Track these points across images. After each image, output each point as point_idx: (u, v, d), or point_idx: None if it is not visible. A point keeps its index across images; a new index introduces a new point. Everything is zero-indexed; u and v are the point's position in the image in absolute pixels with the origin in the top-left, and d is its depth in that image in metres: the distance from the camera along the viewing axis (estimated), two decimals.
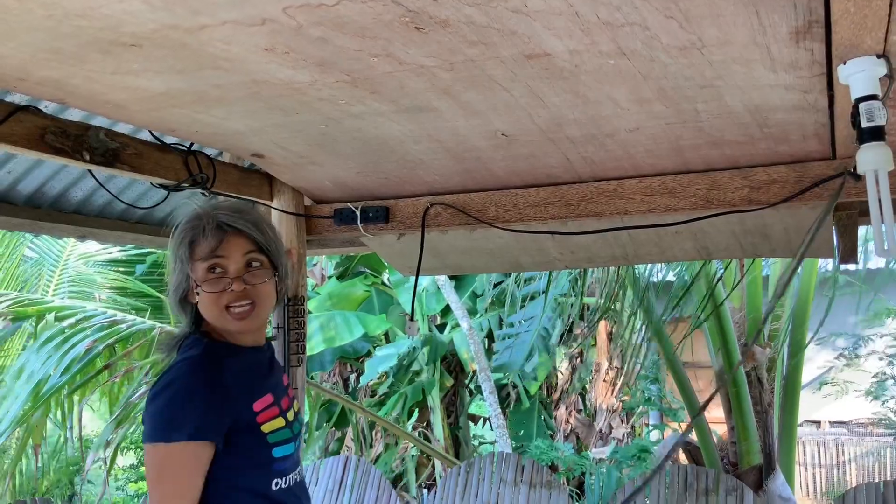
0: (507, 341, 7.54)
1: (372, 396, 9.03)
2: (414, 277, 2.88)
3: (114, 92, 1.91)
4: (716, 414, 5.86)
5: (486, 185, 2.70)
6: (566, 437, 9.17)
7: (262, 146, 2.45)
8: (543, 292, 6.84)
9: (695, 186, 2.45)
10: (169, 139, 2.42)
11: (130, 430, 4.57)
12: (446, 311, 8.55)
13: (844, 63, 1.50)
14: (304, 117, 2.12)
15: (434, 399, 8.49)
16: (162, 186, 2.48)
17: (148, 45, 1.60)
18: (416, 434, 8.61)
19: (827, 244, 2.88)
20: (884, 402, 8.90)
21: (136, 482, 10.18)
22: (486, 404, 8.07)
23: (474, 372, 8.19)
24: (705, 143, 2.25)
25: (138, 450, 10.15)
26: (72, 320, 4.56)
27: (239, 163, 2.81)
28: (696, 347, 6.00)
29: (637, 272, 5.62)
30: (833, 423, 10.57)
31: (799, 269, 5.32)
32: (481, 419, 10.14)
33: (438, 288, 8.02)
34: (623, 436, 9.11)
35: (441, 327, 8.98)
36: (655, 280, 6.06)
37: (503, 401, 8.69)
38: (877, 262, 7.61)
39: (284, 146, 2.43)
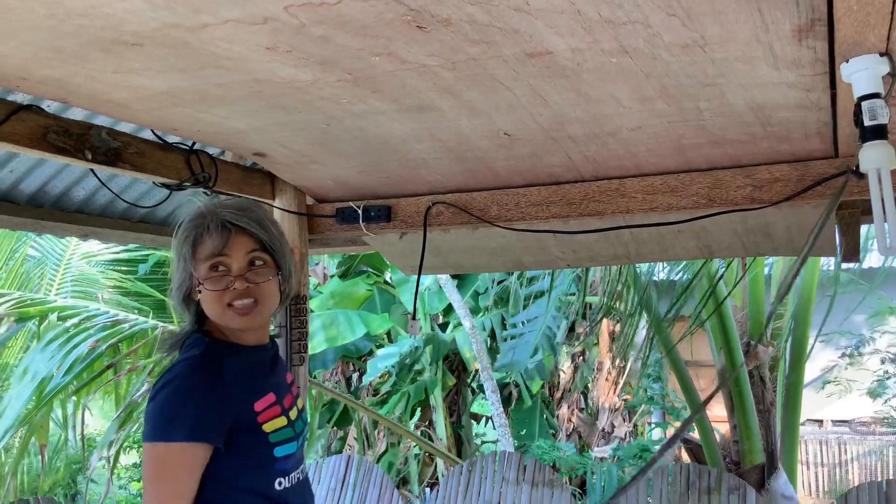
0: (511, 341, 7.53)
1: (374, 395, 9.03)
2: (416, 276, 2.88)
3: (116, 91, 1.91)
4: (718, 413, 5.86)
5: (488, 185, 2.70)
6: (568, 436, 9.18)
7: (264, 145, 2.45)
8: (547, 291, 6.84)
9: (697, 185, 2.44)
10: (171, 138, 2.42)
11: (133, 430, 4.57)
12: (448, 309, 8.55)
13: (847, 61, 1.50)
14: (305, 116, 2.12)
15: (436, 398, 8.49)
16: (164, 185, 2.48)
17: (149, 44, 1.60)
18: (419, 433, 8.62)
19: (829, 243, 2.88)
20: (886, 401, 8.89)
21: (138, 481, 10.19)
22: (488, 403, 8.07)
23: (476, 371, 8.19)
24: (707, 141, 2.25)
25: (141, 449, 10.16)
26: (75, 320, 4.56)
27: (241, 162, 2.81)
28: (698, 346, 6.00)
29: (639, 271, 5.62)
30: (835, 422, 10.56)
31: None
32: (483, 418, 10.14)
33: (440, 287, 8.02)
34: (625, 434, 9.11)
35: (443, 326, 8.99)
36: (657, 279, 6.06)
37: (505, 400, 8.69)
38: (879, 261, 7.60)
39: (286, 145, 2.43)
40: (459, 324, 8.12)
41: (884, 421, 9.41)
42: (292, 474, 1.78)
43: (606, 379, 9.27)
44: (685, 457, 6.35)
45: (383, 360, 8.05)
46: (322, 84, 1.86)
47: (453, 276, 7.91)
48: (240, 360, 1.73)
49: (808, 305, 5.27)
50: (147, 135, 2.39)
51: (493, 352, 8.33)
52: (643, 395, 8.50)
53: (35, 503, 3.83)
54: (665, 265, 5.94)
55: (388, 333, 9.05)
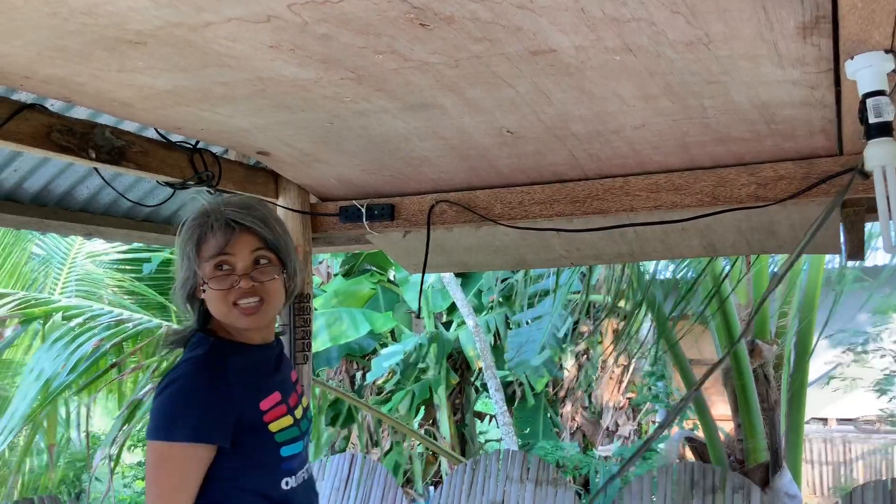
0: (517, 339, 7.52)
1: (378, 394, 9.04)
2: (420, 275, 2.88)
3: (119, 90, 1.91)
4: (722, 411, 5.85)
5: (491, 183, 2.70)
6: (572, 435, 9.17)
7: (268, 144, 2.45)
8: (553, 291, 6.83)
9: (701, 183, 2.44)
10: (174, 137, 2.42)
11: (137, 429, 4.58)
12: (452, 308, 8.55)
13: (852, 58, 1.49)
14: (309, 115, 2.12)
15: (440, 397, 8.49)
16: (168, 184, 2.48)
17: (153, 43, 1.60)
18: (423, 432, 8.62)
19: (834, 240, 2.87)
20: (891, 399, 8.87)
21: (143, 480, 10.20)
22: (491, 402, 8.07)
23: (480, 369, 8.20)
24: (711, 139, 2.24)
25: (144, 448, 10.18)
26: (79, 319, 4.57)
27: (244, 160, 2.81)
28: (702, 344, 5.99)
29: (643, 269, 5.61)
30: (840, 421, 10.54)
31: (805, 266, 5.30)
32: (487, 416, 10.14)
33: (444, 285, 8.02)
34: (629, 433, 9.10)
35: (447, 325, 8.99)
36: (661, 277, 6.05)
37: (509, 398, 8.69)
38: (883, 259, 7.59)
39: (290, 144, 2.43)
40: (463, 322, 8.13)
41: (889, 419, 9.38)
42: (298, 473, 1.78)
43: (610, 377, 9.26)
44: (689, 455, 6.34)
45: (388, 359, 8.05)
46: (325, 82, 1.85)
47: (457, 275, 7.90)
48: (245, 358, 1.73)
49: (812, 303, 5.26)
50: (151, 133, 2.40)
51: (496, 350, 8.33)
52: (647, 394, 8.49)
53: (39, 502, 3.83)
54: (669, 263, 5.94)
55: (392, 332, 9.06)
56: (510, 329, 8.28)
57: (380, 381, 8.91)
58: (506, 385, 8.65)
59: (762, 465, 5.03)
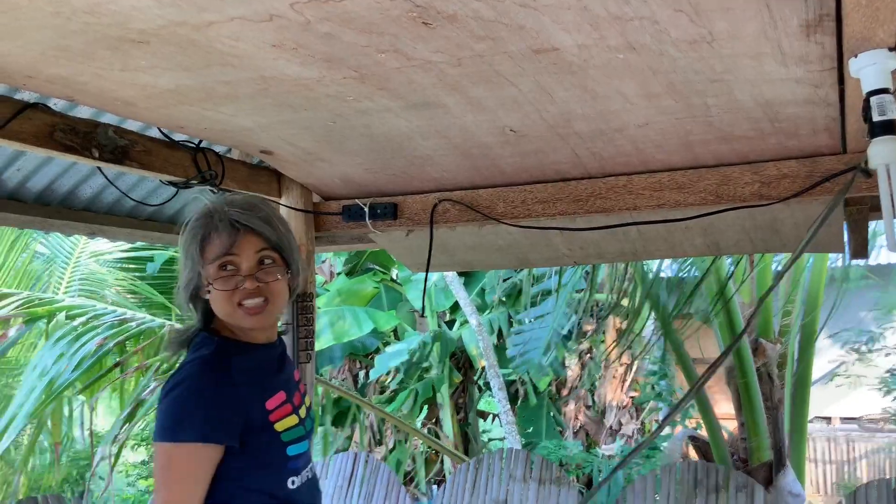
0: (522, 336, 7.51)
1: (381, 393, 9.04)
2: (422, 273, 2.88)
3: (122, 89, 1.91)
4: (726, 410, 5.84)
5: (494, 181, 2.69)
6: (575, 434, 9.16)
7: (271, 143, 2.45)
8: (556, 290, 6.83)
9: (704, 181, 2.44)
10: (178, 136, 2.42)
11: (141, 427, 4.59)
12: (455, 307, 8.55)
13: (856, 56, 1.49)
14: (312, 114, 2.12)
15: (443, 396, 8.50)
16: (171, 183, 2.49)
17: (156, 42, 1.60)
18: (426, 430, 8.62)
19: (837, 239, 2.87)
20: (895, 398, 8.85)
21: (146, 478, 10.23)
22: (494, 401, 8.07)
23: (483, 368, 8.20)
24: (715, 137, 2.24)
25: (149, 447, 10.21)
26: (83, 319, 4.58)
27: (247, 160, 2.81)
28: (705, 343, 5.99)
29: (646, 268, 5.61)
30: (844, 420, 10.52)
31: (809, 262, 5.30)
32: (490, 415, 10.14)
33: (447, 284, 8.02)
34: (633, 432, 9.09)
35: (450, 324, 8.99)
36: (665, 276, 6.05)
37: (512, 397, 8.69)
38: (888, 257, 7.57)
39: (293, 143, 2.43)
40: (466, 321, 8.13)
41: (893, 418, 9.36)
42: (302, 473, 1.78)
43: (614, 376, 9.25)
44: (693, 454, 6.34)
45: (393, 358, 8.04)
46: (328, 81, 1.85)
47: (460, 274, 7.90)
48: (249, 358, 1.73)
49: (816, 302, 5.25)
50: (154, 133, 2.40)
51: (499, 349, 8.33)
52: (650, 393, 8.48)
53: (43, 501, 3.84)
54: (672, 262, 5.93)
55: (395, 330, 9.06)
56: (512, 326, 8.28)
57: (383, 380, 8.91)
58: (509, 384, 8.65)
59: (766, 463, 5.02)
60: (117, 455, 4.61)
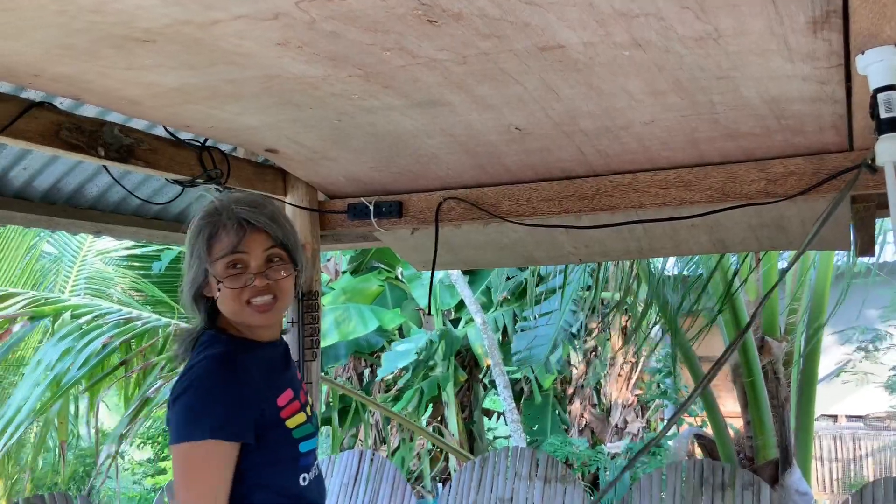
0: (527, 334, 7.51)
1: (386, 392, 9.04)
2: (427, 272, 2.88)
3: (128, 88, 1.91)
4: (732, 408, 5.83)
5: (499, 180, 2.69)
6: (580, 432, 9.16)
7: (276, 141, 2.45)
8: (560, 287, 6.82)
9: (710, 179, 2.43)
10: (183, 135, 2.42)
11: (146, 426, 4.60)
12: (460, 305, 8.55)
13: (863, 53, 1.48)
14: (317, 112, 2.12)
15: (448, 394, 8.50)
16: (177, 182, 2.49)
17: (161, 41, 1.61)
18: (431, 429, 8.63)
19: (844, 236, 2.86)
20: None
21: (152, 476, 10.25)
22: (500, 399, 8.06)
23: (488, 366, 8.20)
24: (721, 135, 2.23)
25: (155, 444, 10.23)
26: (88, 317, 4.59)
27: (253, 158, 2.81)
28: (711, 341, 5.97)
29: (652, 266, 5.59)
30: (850, 418, 10.51)
31: (816, 258, 5.28)
32: (495, 414, 10.14)
33: (452, 282, 8.02)
34: (638, 430, 9.08)
35: (455, 322, 8.99)
36: (670, 274, 6.04)
37: (517, 395, 8.69)
38: (895, 255, 7.55)
39: (298, 141, 2.43)
40: (471, 319, 8.12)
41: None
42: (312, 469, 1.78)
43: (619, 374, 9.24)
44: (699, 452, 6.33)
45: (400, 357, 8.03)
46: (333, 80, 1.85)
47: (465, 272, 7.90)
48: (256, 356, 1.73)
49: (822, 300, 5.24)
50: (159, 131, 2.40)
51: (504, 347, 8.33)
52: (656, 390, 8.47)
53: (50, 499, 3.85)
54: (678, 260, 5.92)
55: (400, 328, 9.06)
56: (517, 322, 8.27)
57: (388, 378, 8.91)
58: (514, 382, 8.65)
59: (772, 462, 5.01)
60: (118, 453, 4.62)
